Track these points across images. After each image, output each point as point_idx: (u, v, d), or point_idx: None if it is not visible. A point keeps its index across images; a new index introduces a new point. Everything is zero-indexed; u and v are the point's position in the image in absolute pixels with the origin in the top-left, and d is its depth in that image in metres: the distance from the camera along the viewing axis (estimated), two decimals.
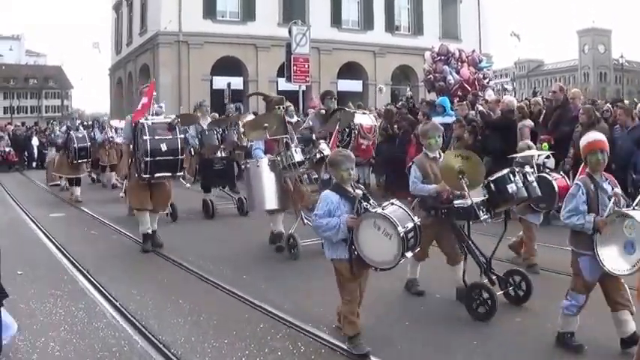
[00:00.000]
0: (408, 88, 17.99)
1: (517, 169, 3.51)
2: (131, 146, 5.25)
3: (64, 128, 10.08)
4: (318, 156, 4.84)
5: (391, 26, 24.09)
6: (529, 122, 7.07)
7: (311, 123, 6.03)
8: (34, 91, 57.47)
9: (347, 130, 6.01)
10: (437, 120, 7.67)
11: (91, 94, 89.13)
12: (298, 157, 4.75)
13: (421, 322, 3.35)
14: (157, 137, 4.96)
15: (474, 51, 12.23)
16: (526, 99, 9.56)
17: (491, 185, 3.36)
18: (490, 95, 9.25)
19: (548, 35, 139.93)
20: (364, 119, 6.55)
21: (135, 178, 5.21)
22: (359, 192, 2.85)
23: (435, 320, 3.35)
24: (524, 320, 3.30)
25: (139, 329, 3.22)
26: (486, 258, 3.47)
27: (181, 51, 20.55)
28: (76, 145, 8.62)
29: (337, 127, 5.57)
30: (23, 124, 22.66)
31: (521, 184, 3.39)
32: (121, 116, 13.88)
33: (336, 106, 6.30)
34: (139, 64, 23.69)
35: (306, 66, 15.99)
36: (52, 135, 11.59)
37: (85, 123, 10.89)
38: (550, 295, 3.42)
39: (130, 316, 3.42)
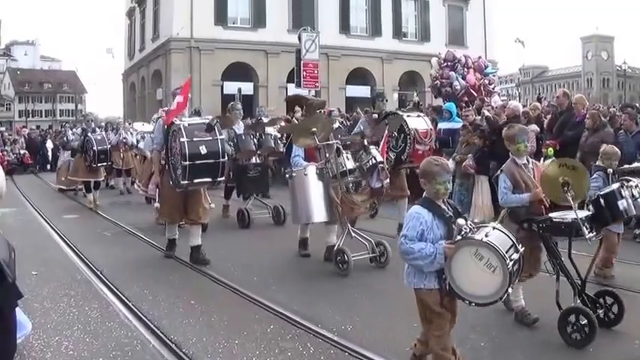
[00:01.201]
0: (415, 94, 17.98)
1: (625, 183, 3.20)
2: (162, 152, 4.84)
3: (79, 130, 9.59)
4: (370, 163, 4.55)
5: (399, 33, 24.19)
6: (534, 127, 7.09)
7: (362, 127, 5.67)
8: (49, 95, 58.46)
9: (402, 135, 5.59)
10: (444, 125, 7.74)
11: (104, 99, 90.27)
12: (350, 164, 4.43)
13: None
14: (195, 139, 4.51)
15: (479, 57, 12.27)
16: (523, 105, 9.56)
17: (601, 200, 3.10)
18: (496, 101, 9.27)
19: (553, 42, 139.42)
20: (420, 123, 5.97)
21: (168, 186, 4.73)
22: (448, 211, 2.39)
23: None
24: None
25: (152, 329, 3.26)
26: (582, 278, 3.12)
27: (193, 57, 20.79)
28: (95, 148, 8.27)
29: (386, 132, 5.20)
30: (38, 127, 23.16)
31: (631, 200, 3.11)
32: (133, 119, 13.88)
33: (386, 109, 5.91)
34: (151, 70, 24.00)
35: (316, 72, 16.11)
36: (65, 138, 11.31)
37: (101, 125, 10.14)
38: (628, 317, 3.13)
39: (142, 317, 3.47)
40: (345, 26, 23.14)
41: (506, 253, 2.28)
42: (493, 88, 11.73)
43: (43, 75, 60.04)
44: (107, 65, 76.15)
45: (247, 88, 20.32)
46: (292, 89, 17.97)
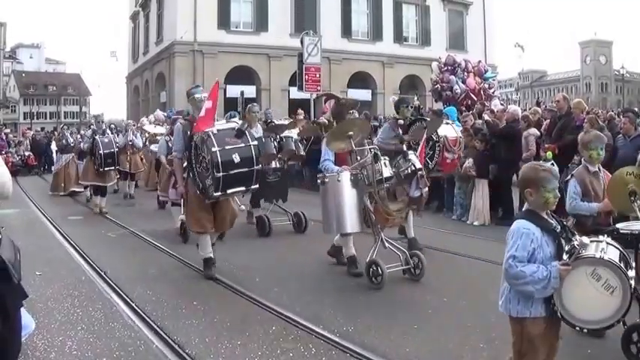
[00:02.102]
0: (416, 98, 18.03)
1: None
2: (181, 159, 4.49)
3: (89, 132, 9.01)
4: (409, 170, 4.20)
5: (399, 37, 24.32)
6: (534, 131, 7.14)
7: (384, 134, 5.31)
8: (53, 97, 58.70)
9: (430, 142, 5.31)
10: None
11: (108, 102, 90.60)
12: (387, 172, 4.09)
13: (430, 325, 3.39)
14: (227, 147, 4.13)
15: (479, 62, 12.34)
16: (523, 109, 9.61)
17: None
18: (496, 105, 9.32)
19: (552, 46, 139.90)
20: (449, 130, 5.74)
21: (195, 196, 4.36)
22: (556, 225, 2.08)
23: (444, 325, 3.39)
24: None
25: (155, 330, 3.29)
26: None
27: (196, 60, 20.91)
28: (102, 151, 7.91)
29: (424, 137, 4.88)
30: (42, 129, 23.26)
31: None
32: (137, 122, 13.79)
33: (412, 115, 5.56)
34: (155, 73, 24.13)
35: (318, 75, 16.19)
36: (64, 141, 10.86)
37: (112, 126, 9.44)
38: None
39: (146, 317, 3.50)
40: (346, 30, 23.26)
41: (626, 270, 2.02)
42: (493, 93, 11.79)
43: (47, 77, 60.34)
44: (111, 68, 76.55)
45: (250, 91, 20.41)
46: (294, 92, 18.06)
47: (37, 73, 60.25)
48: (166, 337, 3.17)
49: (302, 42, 16.16)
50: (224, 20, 21.28)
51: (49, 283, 4.30)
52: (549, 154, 6.42)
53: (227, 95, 20.54)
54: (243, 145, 4.26)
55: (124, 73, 30.09)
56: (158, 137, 8.68)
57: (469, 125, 7.50)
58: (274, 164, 6.43)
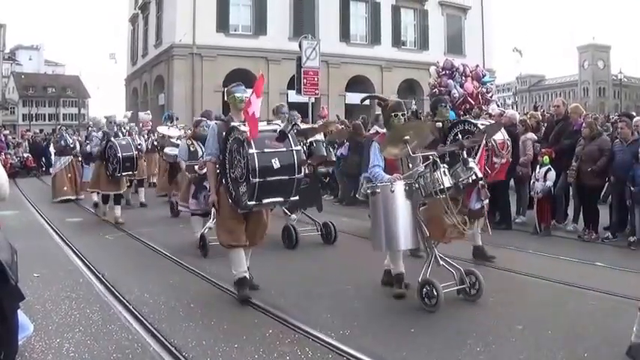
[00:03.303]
0: (414, 102, 18.08)
1: None
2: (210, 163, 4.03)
3: (100, 134, 8.00)
4: (470, 180, 3.71)
5: (398, 41, 24.42)
6: (532, 135, 7.17)
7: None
8: (52, 99, 58.67)
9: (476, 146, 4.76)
10: None
11: (107, 104, 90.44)
12: (447, 181, 3.59)
13: (427, 329, 3.39)
14: (266, 150, 3.67)
15: (477, 66, 12.37)
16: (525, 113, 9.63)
17: None
18: (494, 109, 9.36)
19: (549, 51, 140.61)
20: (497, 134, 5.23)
21: (227, 206, 3.88)
22: None
23: (441, 329, 3.39)
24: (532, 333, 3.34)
25: (152, 332, 3.30)
26: None
27: (195, 63, 20.94)
28: (120, 154, 7.15)
29: (483, 142, 4.38)
30: (41, 131, 23.23)
31: None
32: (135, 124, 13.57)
33: (449, 116, 5.00)
34: (153, 75, 24.16)
35: (316, 79, 16.21)
36: (62, 142, 10.19)
37: (125, 129, 8.55)
38: None
39: (143, 320, 3.50)
40: (345, 34, 23.34)
41: None
42: (491, 97, 11.84)
43: (47, 79, 60.32)
44: (110, 70, 76.55)
45: (248, 94, 20.43)
46: (293, 96, 18.09)
47: (36, 74, 60.23)
48: (163, 340, 3.18)
49: (300, 46, 16.20)
50: (223, 23, 21.34)
51: (46, 285, 4.30)
52: (546, 158, 6.48)
53: (225, 98, 20.58)
54: (284, 149, 3.74)
55: (122, 75, 30.13)
56: (171, 140, 8.10)
57: None
58: (304, 170, 5.91)
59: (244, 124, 3.75)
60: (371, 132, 6.53)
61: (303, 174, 3.95)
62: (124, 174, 7.35)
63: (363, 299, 3.99)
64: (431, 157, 3.73)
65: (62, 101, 59.31)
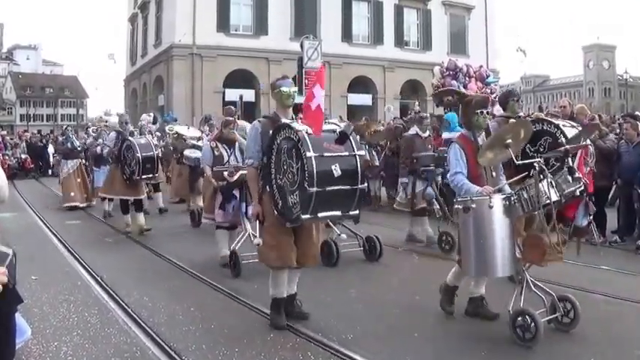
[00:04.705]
0: (417, 103, 18.05)
1: None
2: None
3: (113, 134, 7.10)
4: (577, 192, 3.21)
5: (400, 41, 24.36)
6: None
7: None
8: (50, 99, 58.67)
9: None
10: (446, 135, 7.74)
11: (106, 104, 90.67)
12: (554, 194, 3.07)
13: (430, 335, 3.35)
14: (326, 154, 3.14)
15: (481, 66, 12.31)
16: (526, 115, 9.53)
17: None
18: (498, 110, 9.29)
19: (554, 51, 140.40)
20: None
21: (273, 218, 3.33)
22: None
23: (444, 334, 3.35)
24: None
25: (151, 336, 3.26)
26: None
27: (195, 63, 20.91)
28: (139, 155, 6.33)
29: (581, 148, 3.78)
30: (39, 131, 23.19)
31: None
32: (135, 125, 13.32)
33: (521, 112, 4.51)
34: (153, 76, 24.13)
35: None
36: (69, 144, 9.32)
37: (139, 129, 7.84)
38: None
39: (142, 323, 3.46)
40: (347, 34, 23.30)
41: None
42: (495, 98, 11.78)
43: (44, 79, 60.32)
44: (109, 71, 76.60)
45: (249, 95, 20.39)
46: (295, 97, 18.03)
47: (34, 74, 60.23)
48: (162, 344, 3.13)
49: (302, 46, 16.18)
50: (223, 23, 21.31)
51: (44, 288, 4.26)
52: None
53: (226, 99, 20.54)
54: (346, 153, 3.22)
55: (121, 75, 30.11)
56: (189, 142, 7.57)
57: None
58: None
59: (297, 122, 3.29)
60: (410, 133, 6.36)
61: (366, 184, 3.44)
62: (143, 177, 6.50)
63: (365, 303, 3.94)
64: (535, 164, 3.08)
65: (60, 102, 59.31)
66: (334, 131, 3.32)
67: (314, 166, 3.05)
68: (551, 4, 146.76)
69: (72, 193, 8.91)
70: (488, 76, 11.71)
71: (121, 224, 7.02)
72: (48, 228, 7.29)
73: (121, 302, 3.90)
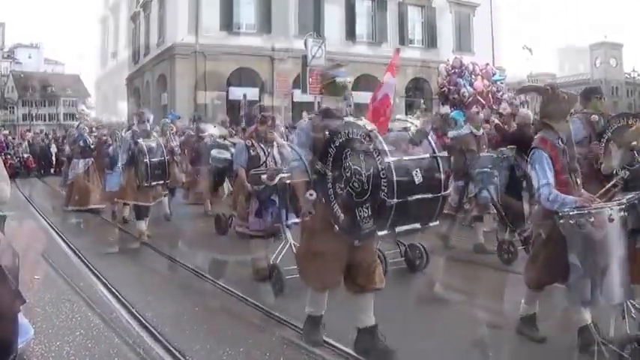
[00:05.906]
0: (422, 101, 17.99)
1: None
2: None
3: (128, 133, 6.58)
4: None
5: (405, 39, 24.28)
6: None
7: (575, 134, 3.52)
8: (52, 99, 58.87)
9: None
10: (451, 134, 7.67)
11: (107, 104, 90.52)
12: None
13: (438, 333, 3.31)
14: (405, 158, 2.66)
15: (487, 64, 12.28)
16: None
17: None
18: (505, 108, 9.24)
19: (561, 49, 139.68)
20: None
21: (324, 233, 2.87)
22: None
23: (450, 332, 3.31)
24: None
25: (155, 336, 3.23)
26: None
27: (198, 62, 20.90)
28: (147, 160, 5.94)
29: None
30: (42, 131, 23.25)
31: None
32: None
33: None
34: (156, 74, 24.15)
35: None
36: (81, 142, 8.66)
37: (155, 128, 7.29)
38: None
39: (145, 323, 3.43)
40: (350, 33, 23.24)
41: None
42: (501, 96, 11.72)
43: (46, 78, 60.54)
44: (111, 69, 76.40)
45: (253, 93, 20.38)
46: (298, 95, 18.04)
47: (35, 73, 60.36)
48: (166, 344, 3.10)
49: (306, 44, 16.14)
50: (227, 22, 21.28)
51: (47, 288, 4.22)
52: None
53: (229, 98, 20.54)
54: (427, 155, 2.74)
55: (124, 74, 30.11)
56: (206, 140, 7.21)
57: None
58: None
59: (361, 119, 2.82)
60: (464, 131, 5.90)
61: (449, 190, 2.99)
62: (153, 183, 6.09)
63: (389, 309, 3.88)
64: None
65: (62, 100, 59.47)
66: (407, 129, 2.87)
67: (394, 174, 2.52)
68: (556, 1, 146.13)
69: (77, 197, 8.45)
70: (494, 74, 11.66)
71: (131, 228, 6.69)
72: (50, 227, 7.26)
73: (124, 302, 3.86)
